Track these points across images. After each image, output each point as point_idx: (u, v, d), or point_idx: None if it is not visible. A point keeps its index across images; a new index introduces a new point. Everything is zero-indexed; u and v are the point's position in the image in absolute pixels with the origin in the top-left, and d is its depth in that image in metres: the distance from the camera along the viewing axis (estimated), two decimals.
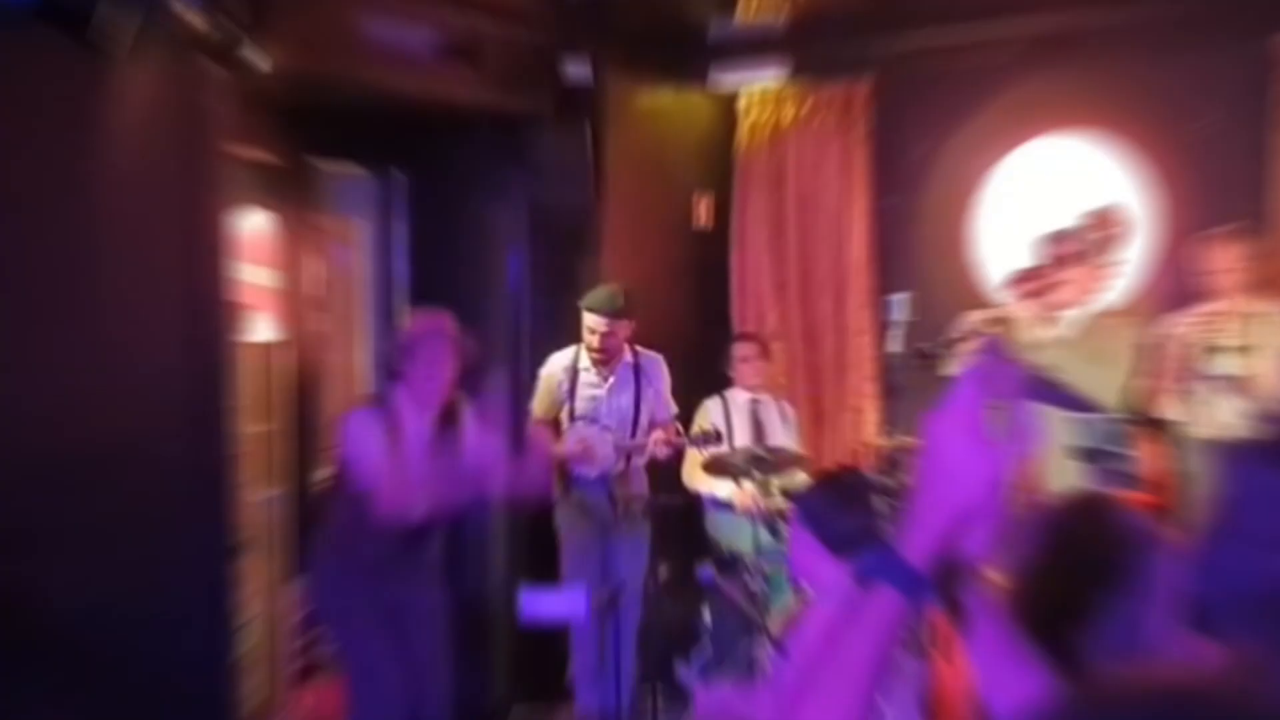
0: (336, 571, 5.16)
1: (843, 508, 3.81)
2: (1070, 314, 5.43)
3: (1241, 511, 1.03)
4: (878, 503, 4.15)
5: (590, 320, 6.20)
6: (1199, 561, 1.05)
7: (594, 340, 6.19)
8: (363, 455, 4.96)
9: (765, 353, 6.93)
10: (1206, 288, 5.62)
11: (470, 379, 5.13)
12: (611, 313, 6.16)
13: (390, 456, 4.91)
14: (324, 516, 5.30)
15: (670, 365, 6.53)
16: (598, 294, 6.25)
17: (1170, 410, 5.68)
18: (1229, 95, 6.38)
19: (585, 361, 6.29)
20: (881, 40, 7.17)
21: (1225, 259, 5.66)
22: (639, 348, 6.38)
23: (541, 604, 5.94)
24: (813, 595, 3.79)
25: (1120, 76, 6.65)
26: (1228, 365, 5.52)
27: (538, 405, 6.37)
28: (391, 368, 5.11)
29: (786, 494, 6.51)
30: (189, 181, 5.21)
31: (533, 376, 6.58)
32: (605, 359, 6.22)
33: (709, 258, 7.56)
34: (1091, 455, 5.10)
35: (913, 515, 1.42)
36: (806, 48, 7.34)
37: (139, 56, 4.71)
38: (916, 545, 1.38)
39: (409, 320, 5.18)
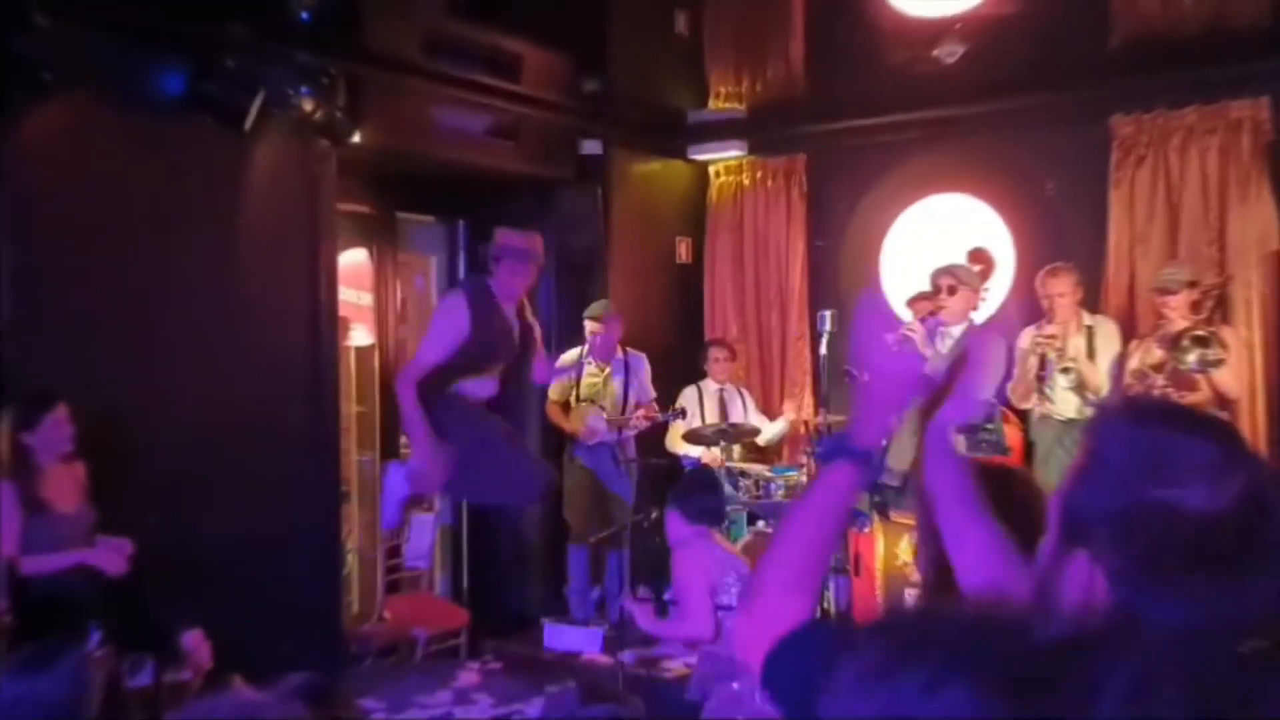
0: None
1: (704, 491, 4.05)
2: (954, 328, 5.37)
3: (1102, 453, 1.01)
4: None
5: (590, 326, 6.18)
6: (1072, 494, 1.03)
7: (594, 340, 6.16)
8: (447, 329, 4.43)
9: (733, 354, 6.90)
10: (1050, 308, 5.57)
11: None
12: (595, 316, 6.18)
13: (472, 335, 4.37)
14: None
15: (657, 363, 6.51)
16: (593, 307, 6.27)
17: (1024, 399, 5.64)
18: (1075, 164, 6.33)
19: (587, 357, 6.22)
20: (814, 126, 7.15)
21: (1061, 285, 5.61)
22: (628, 348, 6.34)
23: (562, 637, 5.89)
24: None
25: (990, 151, 6.61)
26: (1066, 365, 5.46)
27: (552, 391, 6.30)
28: (483, 265, 4.64)
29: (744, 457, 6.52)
30: (306, 226, 5.21)
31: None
32: (604, 352, 6.16)
33: (688, 284, 7.52)
34: (972, 430, 5.04)
35: (858, 413, 1.47)
36: (760, 131, 7.31)
37: (264, 133, 4.70)
38: (861, 432, 1.41)
39: (501, 233, 4.61)
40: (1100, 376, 5.46)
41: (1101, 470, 1.00)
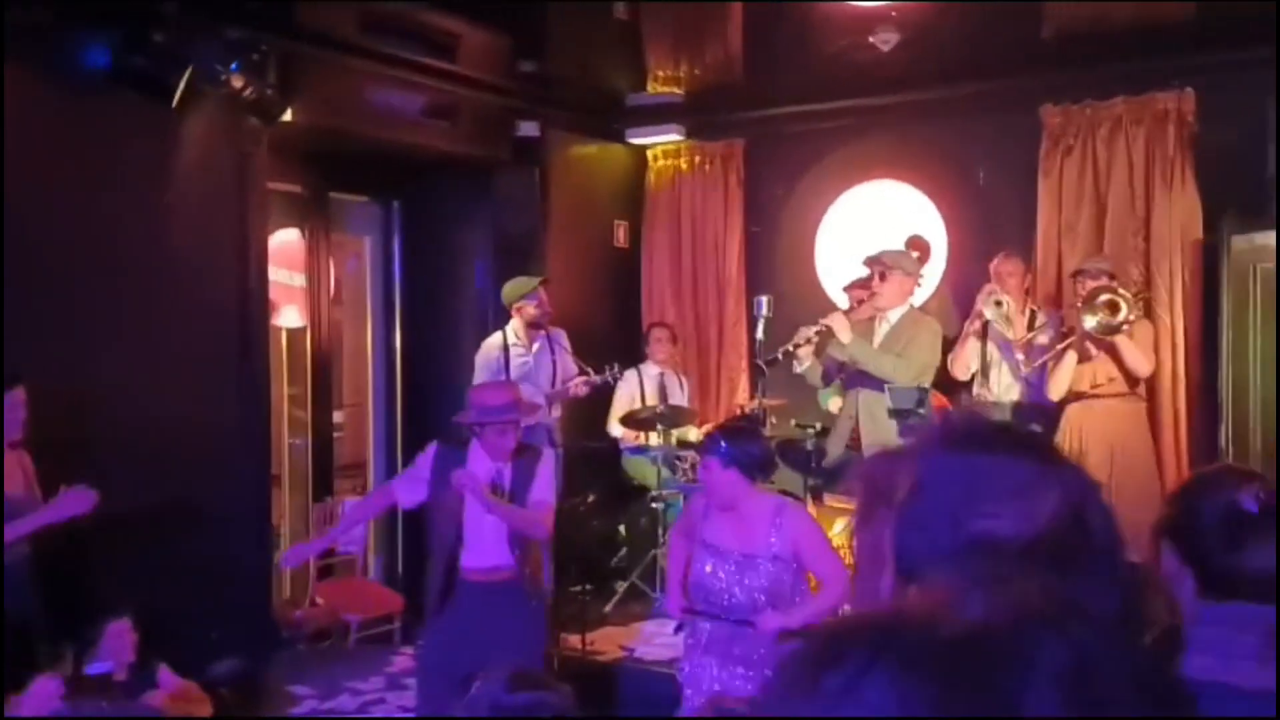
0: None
1: (754, 438, 3.80)
2: (890, 313, 5.44)
3: (925, 486, 0.99)
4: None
5: (521, 304, 6.01)
6: (902, 535, 1.00)
7: (534, 313, 6.01)
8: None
9: (674, 337, 6.92)
10: (986, 294, 5.66)
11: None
12: (534, 291, 6.02)
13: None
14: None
15: (594, 345, 6.45)
16: (522, 283, 6.05)
17: (964, 369, 5.74)
18: (1006, 153, 6.43)
19: (512, 338, 6.09)
20: (751, 112, 7.17)
21: (1011, 267, 5.72)
22: (546, 326, 6.20)
23: None
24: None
25: (925, 138, 6.70)
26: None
27: (478, 378, 6.00)
28: (467, 429, 4.12)
29: (683, 441, 6.53)
30: (236, 205, 5.12)
31: None
32: (540, 324, 6.04)
33: (625, 268, 7.52)
34: (903, 414, 5.12)
35: None
36: (697, 116, 7.32)
37: (193, 110, 4.60)
38: None
39: (482, 390, 4.29)
40: (1022, 331, 5.58)
41: (924, 506, 0.99)
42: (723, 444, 3.59)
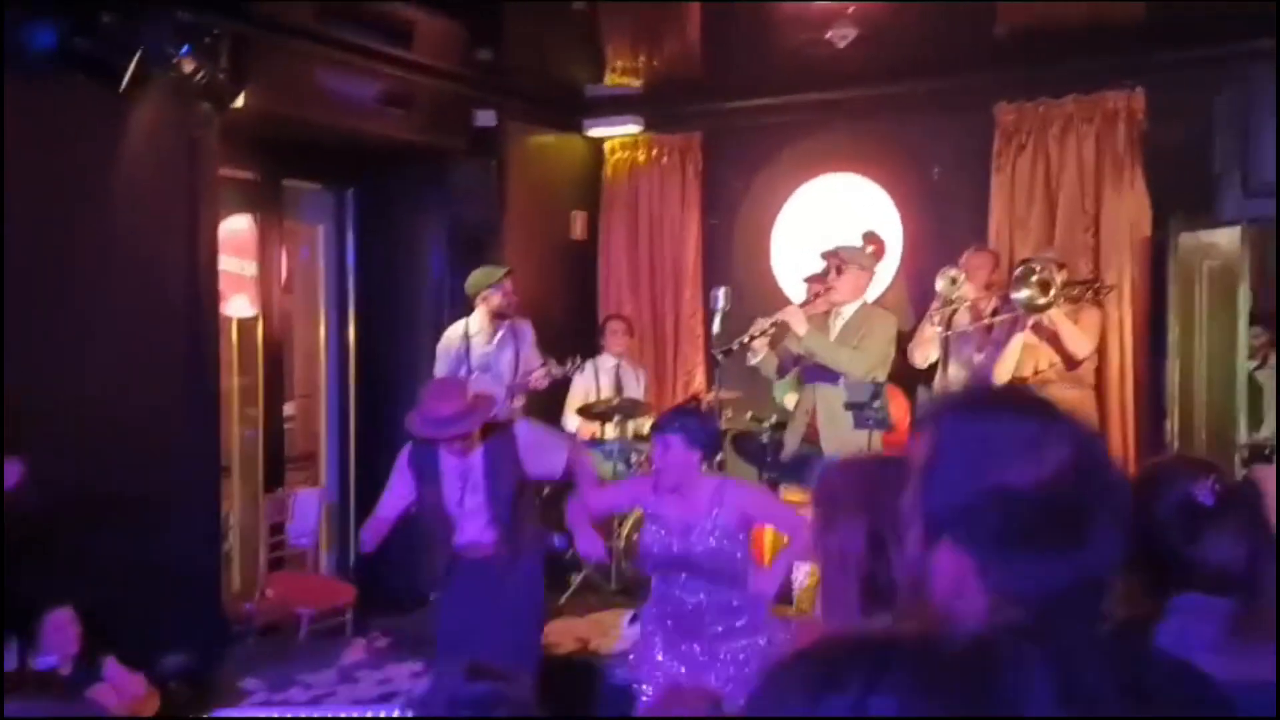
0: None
1: (711, 419, 3.87)
2: (845, 307, 5.48)
3: (942, 449, 1.08)
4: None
5: (486, 293, 5.97)
6: (924, 493, 1.09)
7: (499, 302, 5.97)
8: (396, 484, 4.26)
9: (630, 330, 6.92)
10: (944, 287, 5.70)
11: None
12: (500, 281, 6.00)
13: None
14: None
15: (550, 337, 6.42)
16: (487, 273, 6.03)
17: (923, 356, 5.80)
18: (960, 149, 6.50)
19: (475, 328, 6.06)
20: (709, 105, 7.19)
21: (980, 261, 5.79)
22: (512, 317, 6.18)
23: None
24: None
25: (881, 133, 6.75)
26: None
27: (439, 368, 6.03)
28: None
29: (639, 434, 6.53)
30: (185, 192, 5.03)
31: None
32: (505, 314, 6.02)
33: (583, 260, 7.51)
34: (859, 408, 5.16)
35: None
36: (655, 107, 7.32)
37: (142, 94, 4.52)
38: None
39: (430, 398, 4.10)
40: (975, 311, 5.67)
41: (944, 467, 1.07)
42: (691, 422, 3.66)
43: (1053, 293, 5.19)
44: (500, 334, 6.08)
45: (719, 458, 5.43)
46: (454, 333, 6.13)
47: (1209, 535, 1.58)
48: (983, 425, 1.07)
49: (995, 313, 5.72)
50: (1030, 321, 5.34)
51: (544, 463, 4.19)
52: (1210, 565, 1.57)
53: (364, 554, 4.37)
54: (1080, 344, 5.42)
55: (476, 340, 6.08)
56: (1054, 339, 5.37)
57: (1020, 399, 1.12)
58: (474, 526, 4.16)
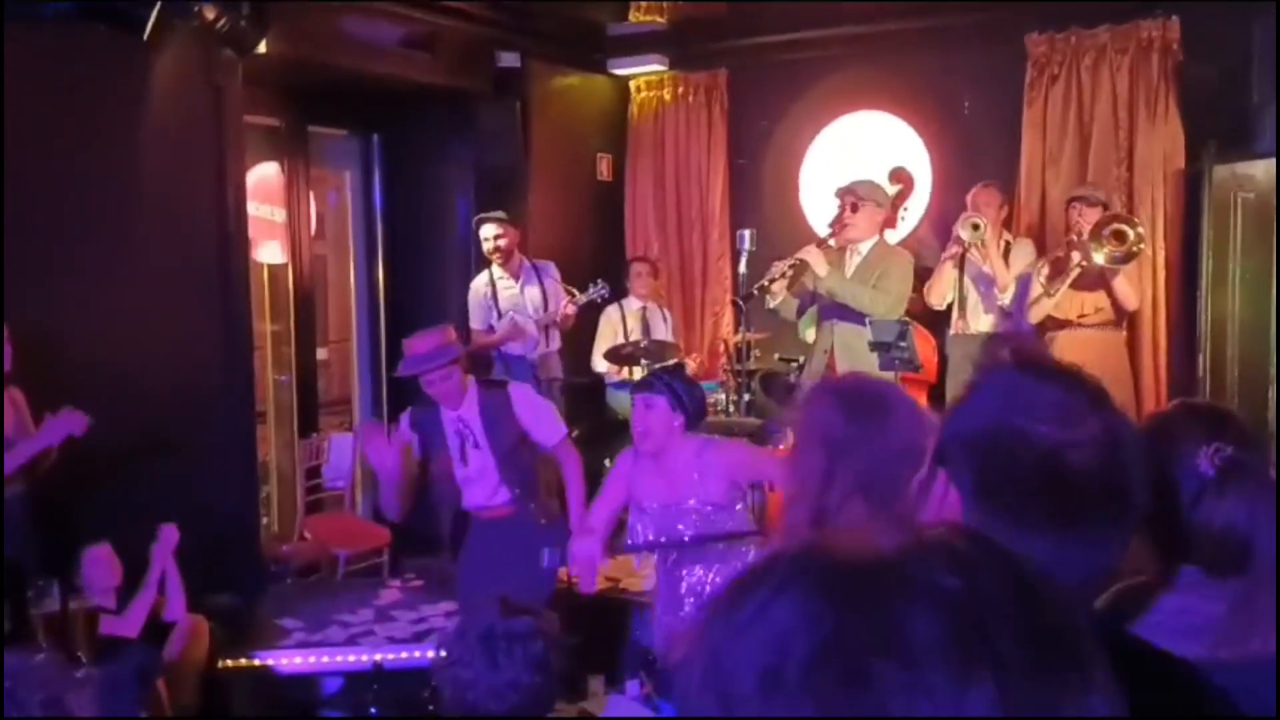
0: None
1: (697, 385, 3.76)
2: (862, 244, 5.43)
3: (979, 387, 1.11)
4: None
5: (486, 231, 6.06)
6: (947, 421, 1.12)
7: (495, 244, 6.04)
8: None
9: (655, 272, 6.89)
10: (964, 219, 5.63)
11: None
12: (500, 220, 6.06)
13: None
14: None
15: (577, 279, 6.42)
16: (492, 217, 6.13)
17: (940, 297, 5.74)
18: (991, 83, 6.37)
19: (498, 274, 6.15)
20: (735, 41, 7.06)
21: (988, 198, 5.71)
22: (534, 258, 6.27)
23: None
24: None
25: (909, 68, 6.62)
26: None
27: (473, 319, 6.18)
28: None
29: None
30: (211, 140, 5.05)
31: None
32: (505, 258, 6.08)
33: (609, 202, 7.46)
34: (885, 348, 5.13)
35: None
36: (681, 45, 7.22)
37: (164, 43, 4.51)
38: None
39: (411, 340, 4.00)
40: (998, 266, 5.58)
41: (974, 400, 1.09)
42: (678, 385, 3.51)
43: (1130, 238, 5.13)
44: (523, 274, 6.15)
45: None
46: (479, 281, 6.21)
47: (1208, 503, 1.48)
48: (1024, 379, 1.08)
49: (1008, 250, 5.66)
50: (1074, 270, 5.28)
51: (541, 426, 4.07)
52: (1210, 536, 1.48)
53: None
54: (1131, 297, 5.37)
55: (502, 284, 6.16)
56: (1102, 281, 5.30)
57: (1068, 372, 1.11)
58: (483, 490, 4.10)
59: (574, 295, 6.16)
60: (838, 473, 1.70)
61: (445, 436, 4.06)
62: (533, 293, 6.19)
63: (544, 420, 4.11)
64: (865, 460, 1.69)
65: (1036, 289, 5.41)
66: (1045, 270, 5.49)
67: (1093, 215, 5.36)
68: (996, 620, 0.54)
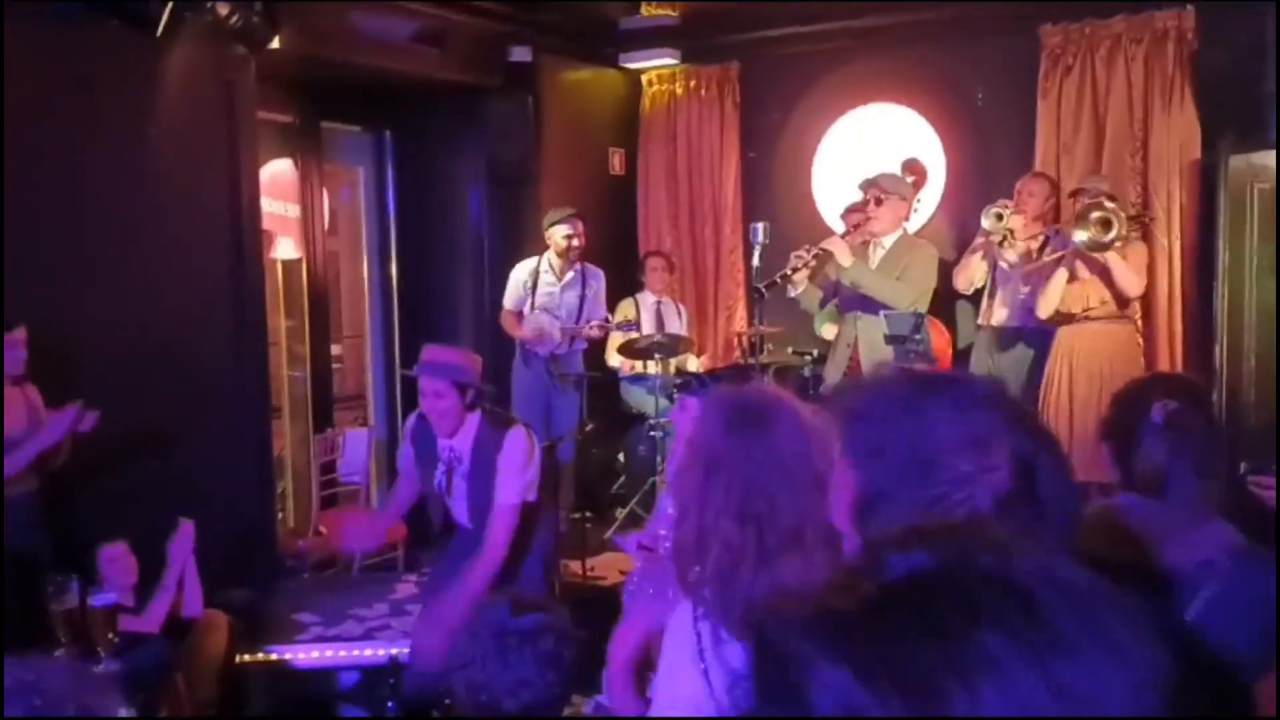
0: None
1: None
2: (885, 238, 5.39)
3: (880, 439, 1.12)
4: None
5: (560, 232, 6.07)
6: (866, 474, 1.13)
7: (570, 243, 6.06)
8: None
9: (670, 266, 6.89)
10: (1018, 202, 5.55)
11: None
12: (572, 218, 6.07)
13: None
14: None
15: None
16: (561, 211, 6.13)
17: (966, 282, 5.70)
18: (1005, 74, 6.32)
19: (545, 266, 6.16)
20: (747, 34, 7.02)
21: (1035, 186, 5.62)
22: (585, 263, 6.27)
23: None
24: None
25: (923, 60, 6.58)
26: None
27: (507, 299, 6.23)
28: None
29: (681, 372, 6.51)
30: (224, 136, 5.04)
31: (492, 279, 6.49)
32: (581, 256, 6.11)
33: (621, 196, 7.45)
34: (900, 340, 5.10)
35: None
36: (692, 39, 7.18)
37: (177, 38, 4.50)
38: None
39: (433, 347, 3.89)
40: (1022, 247, 5.52)
41: (885, 459, 1.07)
42: (711, 389, 3.46)
43: (1115, 230, 5.05)
44: (570, 276, 6.14)
45: None
46: (525, 267, 6.23)
47: (1149, 443, 1.88)
48: (927, 409, 1.06)
49: (1045, 245, 5.58)
50: (1076, 260, 5.22)
51: (506, 480, 3.77)
52: (1142, 470, 1.88)
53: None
54: (1132, 283, 5.28)
55: (545, 278, 6.16)
56: (1103, 272, 5.24)
57: (982, 392, 1.11)
58: (462, 513, 3.97)
59: (607, 321, 6.25)
60: (711, 488, 1.64)
61: (435, 455, 3.95)
62: (570, 297, 6.19)
63: (511, 478, 3.80)
64: (740, 474, 1.64)
65: (1049, 278, 5.35)
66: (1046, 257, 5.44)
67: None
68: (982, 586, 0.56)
